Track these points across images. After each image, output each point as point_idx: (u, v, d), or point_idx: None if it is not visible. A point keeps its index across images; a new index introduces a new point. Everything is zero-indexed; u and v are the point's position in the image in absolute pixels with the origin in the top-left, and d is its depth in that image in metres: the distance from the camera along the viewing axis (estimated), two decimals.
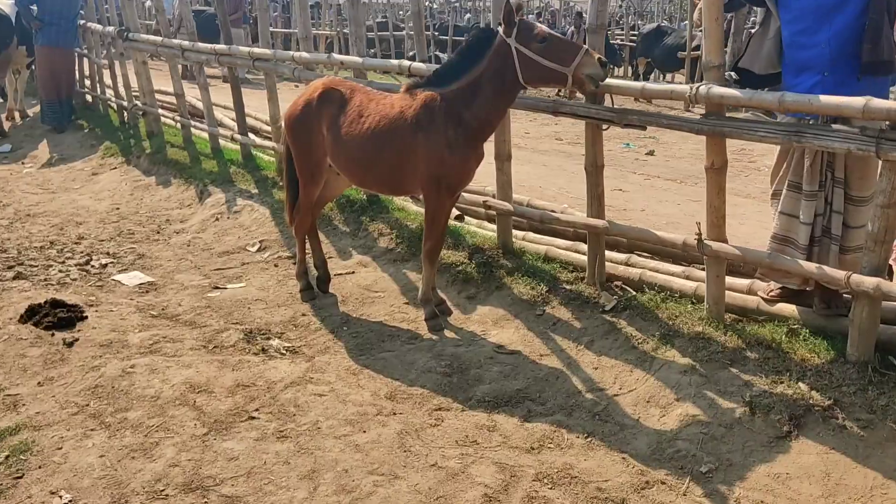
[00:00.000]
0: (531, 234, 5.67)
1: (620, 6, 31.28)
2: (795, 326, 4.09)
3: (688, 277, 4.74)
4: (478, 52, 4.39)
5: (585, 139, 4.72)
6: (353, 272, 5.77)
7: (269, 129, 9.40)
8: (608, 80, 4.22)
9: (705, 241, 4.13)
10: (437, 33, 22.18)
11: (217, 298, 5.49)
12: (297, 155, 5.07)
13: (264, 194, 7.40)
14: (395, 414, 3.94)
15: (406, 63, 5.72)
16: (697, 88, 3.87)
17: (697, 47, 16.52)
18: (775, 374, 3.82)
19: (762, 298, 4.30)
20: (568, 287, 4.95)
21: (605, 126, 4.58)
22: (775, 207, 4.08)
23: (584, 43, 4.35)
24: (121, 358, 4.51)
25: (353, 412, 3.93)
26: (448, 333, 4.79)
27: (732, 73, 3.92)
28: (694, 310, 4.44)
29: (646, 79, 18.55)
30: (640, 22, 26.91)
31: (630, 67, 23.27)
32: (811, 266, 3.75)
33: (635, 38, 20.50)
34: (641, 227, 4.81)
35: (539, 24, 4.30)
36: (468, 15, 26.74)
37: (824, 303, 4.06)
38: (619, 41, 21.38)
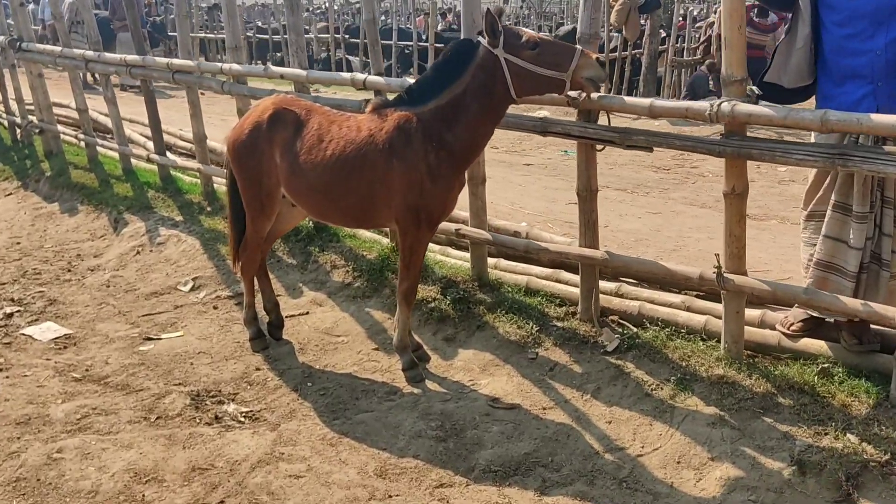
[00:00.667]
0: (503, 262, 5.14)
1: (521, 6, 31.13)
2: (826, 365, 3.71)
3: (688, 308, 4.32)
4: (458, 67, 3.83)
5: (578, 161, 4.22)
6: (308, 313, 5.11)
7: (185, 145, 8.60)
8: (612, 96, 3.72)
9: (726, 275, 3.69)
10: (346, 36, 21.44)
11: (151, 353, 4.72)
12: (245, 185, 4.38)
13: (191, 222, 6.61)
14: (391, 497, 3.33)
15: (360, 76, 5.09)
16: (719, 106, 3.42)
17: (615, 49, 16.49)
18: (817, 424, 3.41)
19: (783, 333, 3.90)
20: (560, 325, 4.44)
21: (600, 147, 4.10)
22: (810, 230, 3.69)
23: None
24: (44, 440, 3.73)
25: (341, 498, 3.30)
26: (431, 385, 4.20)
27: (755, 88, 3.49)
28: (707, 348, 4.01)
29: None
30: (544, 23, 26.82)
31: None
32: (856, 304, 3.35)
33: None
34: (645, 259, 4.35)
35: (525, 29, 3.76)
36: (382, 17, 26.05)
37: (855, 337, 3.69)
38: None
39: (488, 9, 3.70)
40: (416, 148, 3.90)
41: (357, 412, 4.00)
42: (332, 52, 21.04)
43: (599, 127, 3.93)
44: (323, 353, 4.63)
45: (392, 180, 3.95)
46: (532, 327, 4.42)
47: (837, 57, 3.44)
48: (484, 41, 3.71)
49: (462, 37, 4.29)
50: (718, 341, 4.04)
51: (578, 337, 4.31)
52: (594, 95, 3.73)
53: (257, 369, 4.48)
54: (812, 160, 3.26)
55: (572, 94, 3.76)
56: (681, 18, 17.91)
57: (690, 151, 3.69)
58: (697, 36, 17.14)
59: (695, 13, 19.52)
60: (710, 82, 15.40)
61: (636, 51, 16.46)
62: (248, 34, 21.37)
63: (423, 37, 19.80)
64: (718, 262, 3.71)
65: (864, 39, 3.32)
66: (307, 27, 23.02)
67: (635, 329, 4.28)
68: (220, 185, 6.65)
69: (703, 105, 3.52)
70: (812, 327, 3.88)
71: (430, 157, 3.90)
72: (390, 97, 4.37)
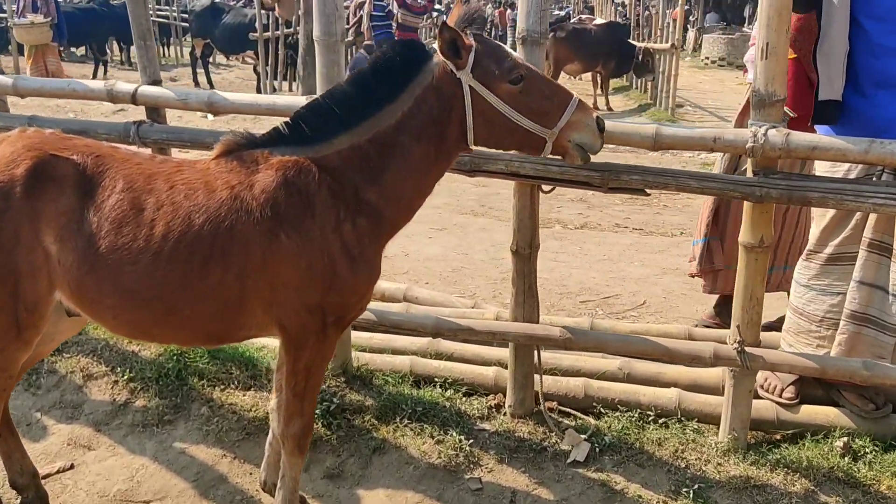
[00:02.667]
0: (355, 334, 3.75)
1: None
2: (844, 438, 3.09)
3: (629, 375, 3.44)
4: (394, 85, 2.42)
5: (517, 207, 3.03)
6: (73, 466, 3.18)
7: None
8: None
9: (750, 351, 2.86)
10: None
11: None
12: None
13: None
14: None
15: (128, 87, 3.25)
16: (765, 135, 2.53)
17: (267, 27, 15.00)
18: None
19: (778, 403, 3.20)
20: (489, 427, 3.25)
21: (547, 188, 2.97)
22: (832, 276, 3.00)
23: None
24: None
25: None
26: None
27: (788, 109, 2.67)
28: (698, 437, 3.17)
29: (206, 62, 16.42)
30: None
31: (165, 47, 20.73)
32: None
33: (186, 16, 18.13)
34: (629, 335, 3.29)
35: (509, 50, 2.45)
36: None
37: (869, 400, 3.12)
38: (165, 19, 18.79)
39: (444, 23, 2.32)
40: (321, 214, 2.41)
41: None
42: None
43: (572, 166, 2.77)
44: None
45: (278, 268, 2.40)
46: (456, 438, 3.16)
47: (871, 59, 2.76)
48: (441, 56, 2.36)
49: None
50: (698, 421, 3.23)
51: (526, 444, 3.17)
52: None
53: None
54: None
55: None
56: None
57: (714, 194, 2.75)
58: (346, 15, 16.32)
59: None
60: None
61: (288, 30, 15.15)
62: None
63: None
64: (739, 333, 2.86)
65: None
66: None
67: (592, 421, 3.27)
68: None
69: (740, 135, 2.59)
70: (799, 386, 3.25)
71: (345, 227, 2.43)
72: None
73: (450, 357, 3.63)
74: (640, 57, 14.40)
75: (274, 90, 15.11)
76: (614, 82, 16.63)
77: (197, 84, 15.56)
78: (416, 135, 2.41)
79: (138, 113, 3.56)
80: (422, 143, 2.42)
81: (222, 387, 3.47)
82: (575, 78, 15.86)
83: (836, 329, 3.05)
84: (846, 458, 3.00)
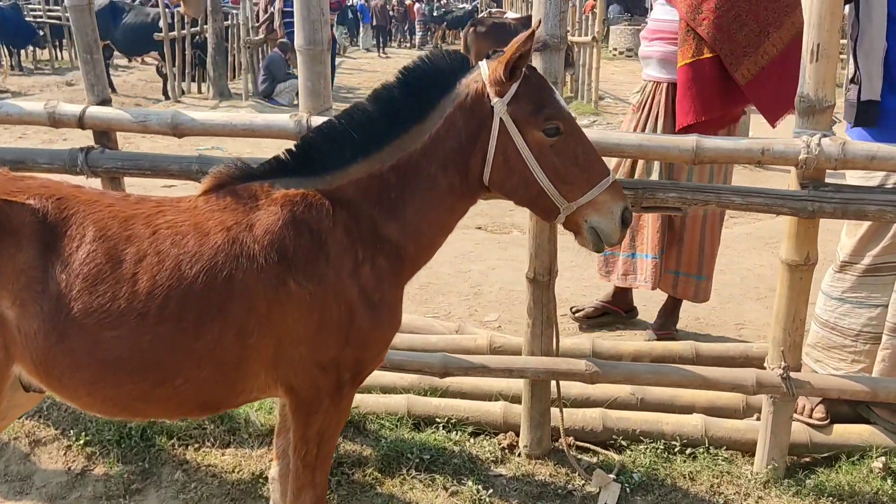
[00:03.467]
0: None
1: None
2: (881, 458, 2.92)
3: (642, 401, 3.20)
4: (425, 101, 2.08)
5: (534, 232, 2.73)
6: None
7: None
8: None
9: (795, 377, 2.65)
10: None
11: None
12: None
13: None
14: None
15: (73, 109, 2.76)
16: (819, 144, 2.31)
17: (172, 26, 14.18)
18: None
19: (809, 425, 3.01)
20: (506, 472, 2.94)
21: None
22: (868, 288, 2.82)
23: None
24: None
25: None
26: None
27: (837, 115, 2.47)
28: (731, 467, 2.95)
29: (105, 65, 15.40)
30: None
31: (57, 49, 19.45)
32: None
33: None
34: (660, 365, 3.00)
35: (560, 98, 2.11)
36: None
37: None
38: (57, 20, 17.64)
39: (526, 37, 1.97)
40: (336, 256, 2.06)
41: None
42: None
43: None
44: None
45: (286, 321, 2.04)
46: (472, 488, 2.83)
47: None
48: (485, 70, 2.03)
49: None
50: (727, 448, 3.02)
51: (550, 489, 2.87)
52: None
53: None
54: None
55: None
56: None
57: (760, 210, 2.49)
58: (256, 11, 15.63)
59: None
60: (288, 63, 14.20)
61: (195, 29, 14.37)
62: None
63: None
64: (784, 358, 2.64)
65: None
66: None
67: (616, 456, 3.01)
68: None
69: (791, 145, 2.36)
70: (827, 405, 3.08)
71: (364, 270, 2.08)
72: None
73: (445, 392, 3.30)
74: None
75: (182, 93, 14.35)
76: None
77: None
78: (443, 162, 2.09)
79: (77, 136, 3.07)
80: (448, 174, 2.10)
81: (196, 445, 3.03)
82: None
83: (874, 343, 2.88)
84: (888, 480, 2.84)
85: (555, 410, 2.98)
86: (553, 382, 2.89)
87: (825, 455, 2.98)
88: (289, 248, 2.02)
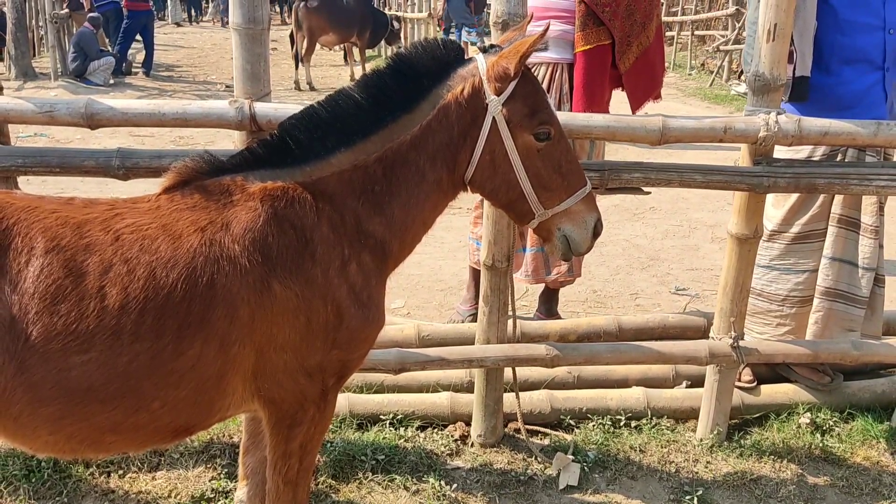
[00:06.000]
0: None
1: None
2: (807, 414, 3.10)
3: (578, 378, 3.23)
4: (417, 90, 1.93)
5: (492, 217, 2.63)
6: None
7: None
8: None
9: (744, 345, 2.75)
10: None
11: None
12: None
13: None
14: None
15: None
16: (777, 122, 2.38)
17: None
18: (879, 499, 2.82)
19: (740, 388, 3.15)
20: (464, 464, 2.85)
21: None
22: (797, 255, 2.97)
23: None
24: None
25: None
26: None
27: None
28: (675, 436, 3.03)
29: None
30: None
31: None
32: None
33: None
34: (614, 343, 2.97)
35: (551, 104, 1.99)
36: None
37: (822, 373, 3.16)
38: None
39: (537, 35, 1.85)
40: (323, 253, 1.89)
41: None
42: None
43: None
44: None
45: (269, 327, 1.84)
46: (434, 484, 2.72)
47: (836, 36, 2.73)
48: (482, 64, 1.89)
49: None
50: (667, 418, 3.10)
51: (511, 476, 2.82)
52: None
53: None
54: None
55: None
56: None
57: (719, 187, 2.53)
58: None
59: None
60: (97, 38, 13.09)
61: None
62: None
63: None
64: (734, 328, 2.73)
65: (876, 11, 2.69)
66: None
67: (567, 436, 3.00)
68: None
69: (751, 123, 2.41)
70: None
71: (351, 267, 1.93)
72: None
73: (380, 388, 3.16)
74: (394, 25, 14.24)
75: None
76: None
77: None
78: (432, 155, 1.95)
79: None
80: (437, 167, 1.97)
81: (120, 472, 2.70)
82: (330, 50, 15.30)
83: (800, 307, 3.05)
84: (816, 435, 3.03)
85: (506, 397, 2.93)
86: (508, 369, 2.83)
87: (756, 416, 3.14)
88: (272, 247, 1.82)
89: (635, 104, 3.63)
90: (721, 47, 13.83)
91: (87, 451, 1.84)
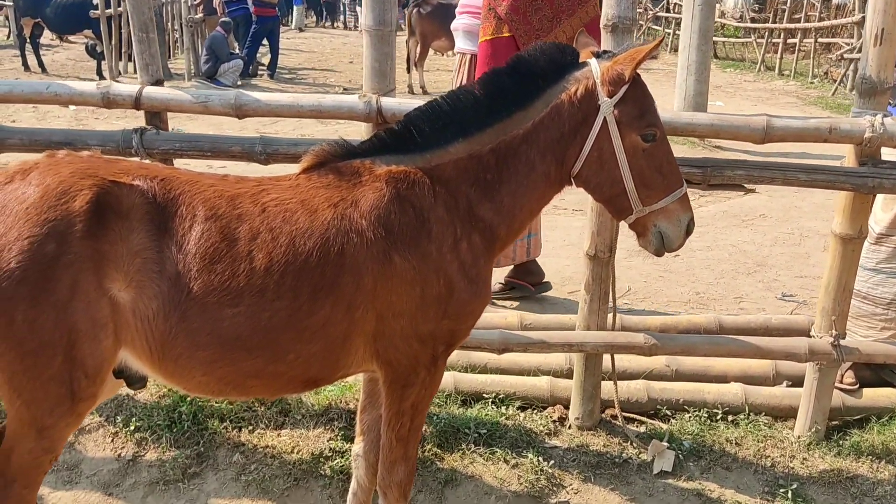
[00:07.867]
0: None
1: None
2: None
3: (677, 371, 3.32)
4: (532, 90, 2.11)
5: (597, 209, 2.79)
6: None
7: None
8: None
9: (845, 344, 2.79)
10: None
11: None
12: (22, 361, 1.88)
13: None
14: None
15: (128, 89, 2.68)
16: (882, 124, 2.44)
17: (108, 3, 13.65)
18: None
19: (841, 390, 3.17)
20: (560, 444, 3.01)
21: None
22: None
23: None
24: None
25: None
26: None
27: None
28: (773, 432, 3.09)
29: (36, 43, 14.72)
30: None
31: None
32: None
33: None
34: (715, 335, 3.10)
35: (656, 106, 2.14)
36: None
37: None
38: None
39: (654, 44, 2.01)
40: (438, 232, 2.09)
41: None
42: None
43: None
44: None
45: (389, 295, 2.05)
46: (532, 460, 2.89)
47: None
48: (595, 69, 2.06)
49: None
50: (766, 414, 3.16)
51: (606, 458, 2.96)
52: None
53: None
54: None
55: None
56: None
57: (823, 187, 2.61)
58: None
59: None
60: (228, 42, 13.87)
61: None
62: None
63: None
64: (835, 327, 2.78)
65: None
66: None
67: (663, 425, 3.11)
68: None
69: (857, 125, 2.48)
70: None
71: (462, 245, 2.12)
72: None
73: (484, 369, 3.35)
74: None
75: (119, 73, 13.85)
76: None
77: (27, 68, 14.02)
78: (542, 149, 2.13)
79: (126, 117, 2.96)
80: (546, 161, 2.14)
81: (250, 428, 3.00)
82: (443, 55, 15.64)
83: None
84: None
85: (604, 385, 3.06)
86: (607, 356, 2.96)
87: (856, 417, 3.16)
88: (394, 223, 2.03)
89: None
90: (845, 55, 13.35)
91: (231, 393, 2.11)
